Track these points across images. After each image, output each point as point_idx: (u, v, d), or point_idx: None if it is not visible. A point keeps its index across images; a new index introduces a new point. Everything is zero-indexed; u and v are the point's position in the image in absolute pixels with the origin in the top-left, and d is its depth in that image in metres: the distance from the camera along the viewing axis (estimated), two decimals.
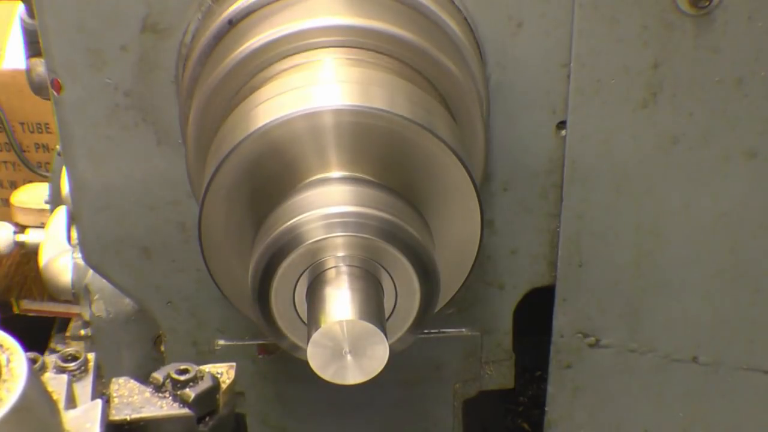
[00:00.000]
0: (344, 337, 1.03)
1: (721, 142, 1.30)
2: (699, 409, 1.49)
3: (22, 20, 1.56)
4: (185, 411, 0.98)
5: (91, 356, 0.99)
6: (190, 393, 0.99)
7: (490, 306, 1.43)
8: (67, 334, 2.56)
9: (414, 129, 1.09)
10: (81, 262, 1.51)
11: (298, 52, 1.16)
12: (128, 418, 0.97)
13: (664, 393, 1.47)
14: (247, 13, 1.19)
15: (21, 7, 1.57)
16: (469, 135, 1.22)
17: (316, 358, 1.03)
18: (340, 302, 1.05)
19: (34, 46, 1.55)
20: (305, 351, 1.05)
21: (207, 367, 1.02)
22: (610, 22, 1.23)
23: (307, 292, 1.08)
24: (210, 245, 1.15)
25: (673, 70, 1.26)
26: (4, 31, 2.73)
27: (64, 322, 2.67)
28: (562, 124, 1.30)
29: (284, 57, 1.16)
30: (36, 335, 2.62)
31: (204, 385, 1.00)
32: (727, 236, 1.36)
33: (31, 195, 2.48)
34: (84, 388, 0.96)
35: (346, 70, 1.14)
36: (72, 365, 0.97)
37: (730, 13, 1.22)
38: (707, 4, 1.21)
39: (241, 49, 1.16)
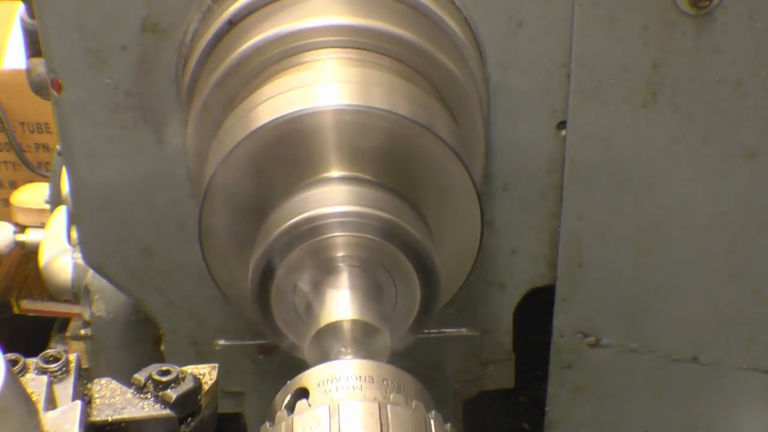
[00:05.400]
0: (344, 337, 1.03)
1: (721, 142, 1.30)
2: (699, 409, 1.49)
3: (22, 20, 1.56)
4: (167, 412, 0.98)
5: (72, 357, 0.98)
6: (172, 394, 0.98)
7: (490, 306, 1.43)
8: (67, 334, 2.55)
9: (414, 129, 1.09)
10: (81, 262, 1.51)
11: (298, 52, 1.16)
12: (109, 419, 0.96)
13: (664, 393, 1.47)
14: (247, 13, 1.19)
15: (21, 7, 1.57)
16: (469, 135, 1.22)
17: (315, 358, 1.03)
18: (340, 302, 1.05)
19: (34, 46, 1.54)
20: (305, 351, 1.05)
21: (189, 368, 1.02)
22: (610, 22, 1.23)
23: (307, 292, 1.08)
24: (210, 245, 1.15)
25: (673, 70, 1.25)
26: (4, 31, 2.73)
27: (64, 322, 2.67)
28: (562, 124, 1.30)
29: (284, 57, 1.16)
30: (36, 335, 2.62)
31: (186, 386, 0.99)
32: (727, 236, 1.36)
33: (31, 195, 2.48)
34: (65, 389, 0.96)
35: (346, 70, 1.14)
36: (53, 366, 0.97)
37: (730, 13, 1.22)
38: (707, 4, 1.21)
39: (241, 49, 1.16)
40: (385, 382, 0.93)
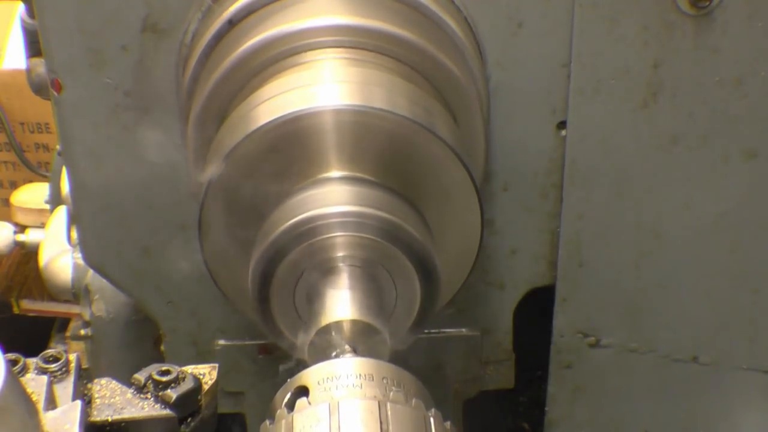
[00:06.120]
0: (344, 337, 1.03)
1: (721, 142, 1.30)
2: (699, 409, 1.49)
3: (22, 20, 1.56)
4: (167, 412, 0.98)
5: (72, 357, 0.98)
6: (172, 394, 0.98)
7: (490, 306, 1.43)
8: (67, 334, 2.55)
9: (414, 129, 1.09)
10: (81, 262, 1.51)
11: (298, 52, 1.16)
12: (109, 419, 0.97)
13: (664, 393, 1.47)
14: (247, 13, 1.19)
15: (21, 7, 1.57)
16: (469, 135, 1.22)
17: (315, 358, 1.03)
18: (340, 302, 1.05)
19: (34, 46, 1.55)
20: (305, 351, 1.05)
21: (189, 368, 1.02)
22: (610, 22, 1.23)
23: (307, 292, 1.08)
24: (210, 245, 1.15)
25: (673, 70, 1.26)
26: (4, 31, 2.73)
27: (64, 322, 2.67)
28: (562, 124, 1.30)
29: (284, 57, 1.16)
30: (36, 335, 2.62)
31: (186, 386, 0.99)
32: (727, 236, 1.36)
33: (31, 195, 2.48)
34: (65, 389, 0.96)
35: (346, 70, 1.14)
36: (53, 366, 0.97)
37: (730, 13, 1.22)
38: (707, 4, 1.21)
39: (241, 48, 1.16)
40: (384, 381, 0.94)
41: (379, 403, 0.91)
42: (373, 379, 0.93)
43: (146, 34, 1.24)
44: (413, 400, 0.93)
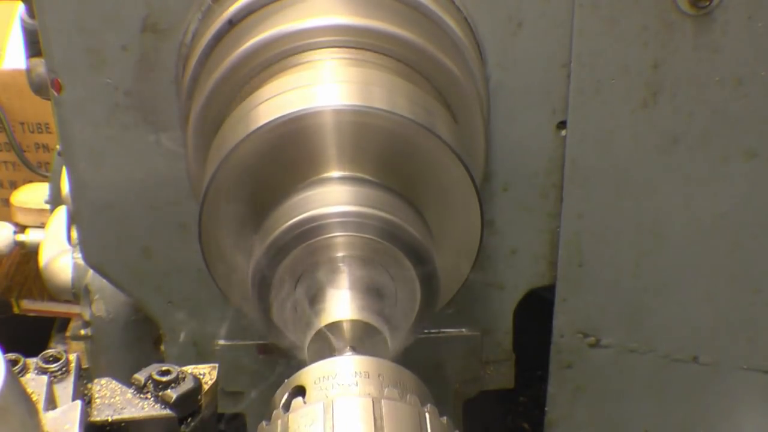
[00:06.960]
0: (344, 337, 1.03)
1: (721, 142, 1.30)
2: (699, 409, 1.49)
3: (22, 20, 1.56)
4: (167, 412, 0.98)
5: (72, 357, 0.99)
6: (172, 394, 0.98)
7: (490, 306, 1.43)
8: (67, 334, 2.56)
9: (414, 129, 1.09)
10: (81, 262, 1.51)
11: (298, 52, 1.16)
12: (109, 419, 0.97)
13: (664, 393, 1.47)
14: (247, 12, 1.19)
15: (21, 7, 1.57)
16: (469, 135, 1.22)
17: (315, 358, 1.03)
18: (340, 302, 1.05)
19: (34, 46, 1.55)
20: (305, 351, 1.05)
21: (189, 368, 1.02)
22: (610, 22, 1.23)
23: (307, 292, 1.08)
24: (210, 245, 1.15)
25: (673, 70, 1.26)
26: (4, 31, 2.73)
27: (64, 322, 2.67)
28: (562, 124, 1.30)
29: (284, 57, 1.16)
30: (36, 335, 2.62)
31: (186, 386, 1.00)
32: (727, 236, 1.36)
33: (31, 195, 2.48)
34: (65, 389, 0.96)
35: (346, 70, 1.14)
36: (53, 366, 0.97)
37: (730, 13, 1.22)
38: (707, 4, 1.21)
39: (241, 48, 1.16)
40: (380, 378, 0.94)
41: (373, 400, 0.91)
42: (369, 377, 0.94)
43: (146, 34, 1.24)
44: (408, 396, 0.93)
